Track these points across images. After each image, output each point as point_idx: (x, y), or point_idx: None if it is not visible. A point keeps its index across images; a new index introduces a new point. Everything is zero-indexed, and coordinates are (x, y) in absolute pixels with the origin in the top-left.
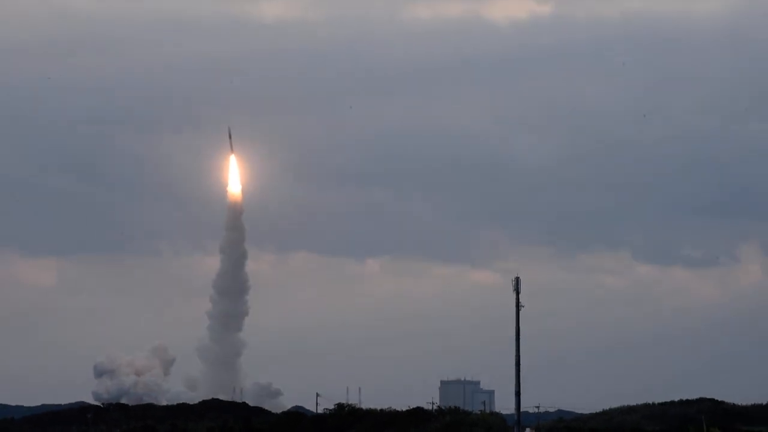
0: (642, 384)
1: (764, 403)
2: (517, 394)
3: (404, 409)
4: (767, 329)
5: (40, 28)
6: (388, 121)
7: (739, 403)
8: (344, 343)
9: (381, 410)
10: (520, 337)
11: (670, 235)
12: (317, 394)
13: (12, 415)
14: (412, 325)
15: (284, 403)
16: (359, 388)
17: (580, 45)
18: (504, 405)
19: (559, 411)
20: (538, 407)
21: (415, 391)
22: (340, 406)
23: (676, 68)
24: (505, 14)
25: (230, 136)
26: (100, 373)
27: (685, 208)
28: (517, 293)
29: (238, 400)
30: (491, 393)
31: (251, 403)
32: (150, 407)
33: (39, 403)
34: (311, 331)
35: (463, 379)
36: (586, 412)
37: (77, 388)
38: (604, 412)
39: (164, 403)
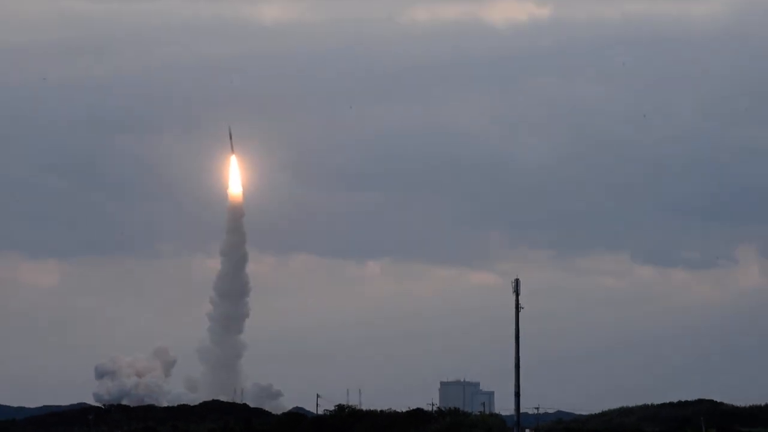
0: (641, 385)
1: (762, 404)
2: (517, 395)
3: (404, 410)
4: (765, 330)
5: (41, 29)
6: (388, 122)
7: (738, 405)
8: (344, 344)
9: (381, 411)
10: (520, 338)
11: (669, 237)
12: (317, 396)
13: (14, 416)
14: (412, 326)
15: (285, 404)
16: (359, 390)
17: (580, 46)
18: (503, 406)
19: (559, 412)
20: (537, 408)
21: (415, 392)
22: (340, 407)
23: (675, 69)
24: (504, 16)
25: (231, 137)
26: (101, 374)
27: (684, 209)
28: (517, 295)
29: (239, 401)
30: (491, 394)
31: (252, 405)
32: (151, 408)
33: (40, 404)
34: (312, 332)
35: (462, 380)
36: (585, 413)
37: (78, 390)
38: (603, 413)
39: (165, 404)
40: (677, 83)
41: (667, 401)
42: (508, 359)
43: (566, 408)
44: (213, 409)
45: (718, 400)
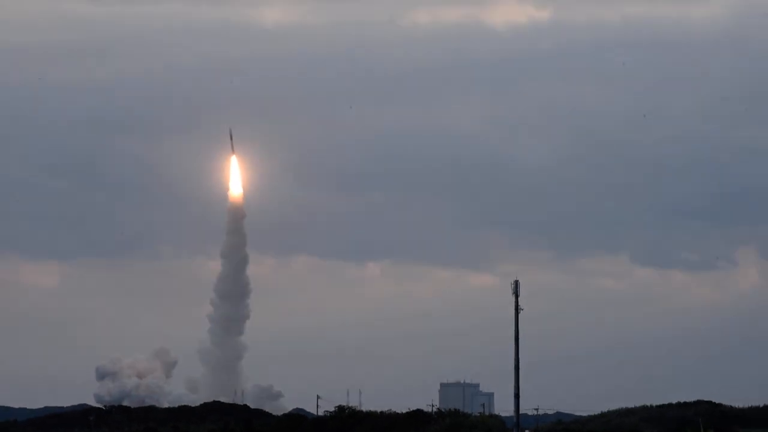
0: (640, 386)
1: (761, 405)
2: (517, 396)
3: (404, 412)
4: (764, 332)
5: (42, 30)
6: (389, 124)
7: (737, 406)
8: (345, 345)
9: (381, 412)
10: (520, 339)
11: (668, 238)
12: (318, 397)
13: (15, 417)
14: (412, 327)
15: (285, 405)
16: (360, 391)
17: (579, 49)
18: (503, 407)
19: (558, 413)
20: (537, 409)
21: (415, 393)
22: (340, 409)
23: (675, 71)
24: (505, 19)
25: (231, 137)
26: (102, 375)
27: (683, 211)
28: (516, 296)
29: (239, 402)
30: (490, 395)
31: (252, 406)
32: (152, 409)
33: (42, 406)
34: (312, 333)
35: (462, 381)
36: (584, 414)
37: (79, 391)
38: (603, 415)
39: (166, 405)
40: (676, 85)
41: (667, 402)
42: (507, 360)
43: (566, 409)
44: (213, 410)
45: (717, 402)
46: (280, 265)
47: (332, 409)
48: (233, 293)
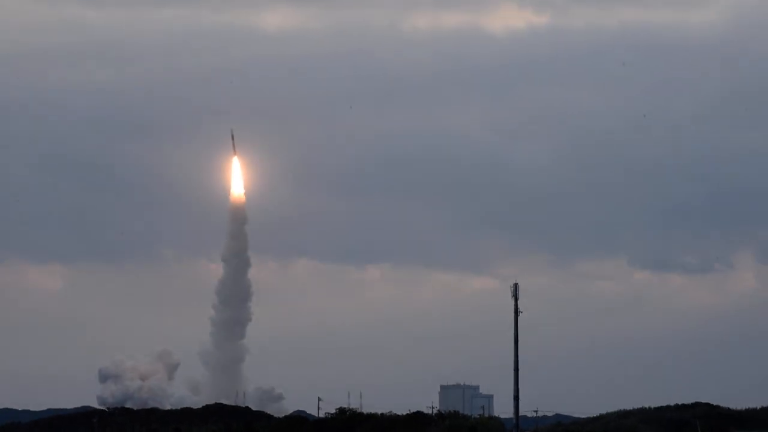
0: (638, 388)
1: (758, 407)
2: (516, 398)
3: (404, 413)
4: (761, 334)
5: (44, 33)
6: (389, 128)
7: (734, 408)
8: (345, 348)
9: (382, 414)
10: (519, 342)
11: (666, 241)
12: (319, 399)
13: (19, 420)
14: (412, 330)
15: (286, 407)
16: (360, 393)
17: (578, 53)
18: (503, 409)
19: (557, 415)
20: (536, 411)
21: (415, 395)
22: (341, 410)
23: (673, 75)
24: (504, 24)
25: (233, 138)
26: (104, 377)
27: (681, 214)
28: (516, 299)
29: (241, 404)
30: (490, 397)
31: (254, 408)
32: (154, 411)
33: (45, 408)
34: (313, 336)
35: (462, 383)
36: (583, 416)
37: (83, 393)
38: (601, 416)
39: (168, 407)
40: (674, 89)
41: (665, 404)
42: (507, 363)
43: (565, 411)
44: (215, 412)
45: (715, 404)
46: (280, 268)
47: (333, 410)
48: (235, 297)
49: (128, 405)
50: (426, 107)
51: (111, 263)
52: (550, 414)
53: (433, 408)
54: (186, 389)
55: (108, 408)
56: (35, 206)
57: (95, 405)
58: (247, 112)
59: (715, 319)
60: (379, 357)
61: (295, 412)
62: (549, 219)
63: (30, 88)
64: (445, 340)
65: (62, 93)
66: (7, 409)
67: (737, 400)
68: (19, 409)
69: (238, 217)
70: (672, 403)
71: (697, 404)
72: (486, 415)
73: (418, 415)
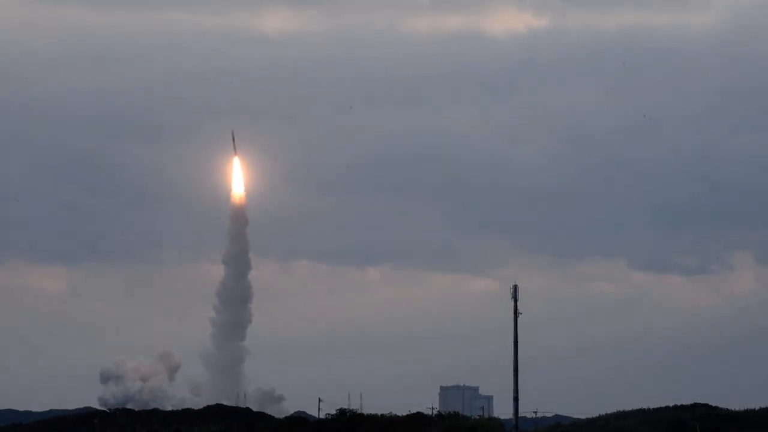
0: (637, 389)
1: (757, 408)
2: (516, 399)
3: (404, 414)
4: (760, 335)
5: (46, 36)
6: (388, 130)
7: (733, 408)
8: (346, 349)
9: (382, 415)
10: (519, 343)
11: (665, 243)
12: (319, 399)
13: (20, 420)
14: (412, 331)
15: (287, 408)
16: (360, 394)
17: (577, 56)
18: (502, 410)
19: (557, 416)
20: (535, 412)
21: (415, 396)
22: (341, 411)
23: (672, 78)
24: (503, 27)
25: (233, 139)
26: (106, 378)
27: (680, 216)
28: (515, 300)
29: (242, 405)
30: (490, 398)
31: (255, 408)
32: (155, 412)
33: (47, 409)
34: (313, 337)
35: (462, 384)
36: (582, 417)
37: (84, 394)
38: (600, 417)
39: (169, 408)
40: (673, 91)
41: (664, 405)
42: (506, 364)
43: (564, 412)
44: (216, 413)
45: (714, 404)
46: (281, 270)
47: (333, 411)
48: (235, 299)
49: (129, 406)
50: (426, 109)
51: (112, 264)
52: (549, 415)
53: (432, 409)
54: (187, 390)
55: (109, 409)
56: (36, 207)
57: (96, 406)
58: (247, 114)
59: (714, 320)
60: (379, 358)
61: (295, 412)
62: (548, 220)
63: (31, 89)
64: (445, 341)
65: (63, 94)
66: (8, 409)
67: (736, 401)
68: (21, 409)
69: (239, 218)
70: (671, 404)
71: (696, 405)
72: (486, 415)
73: (418, 415)
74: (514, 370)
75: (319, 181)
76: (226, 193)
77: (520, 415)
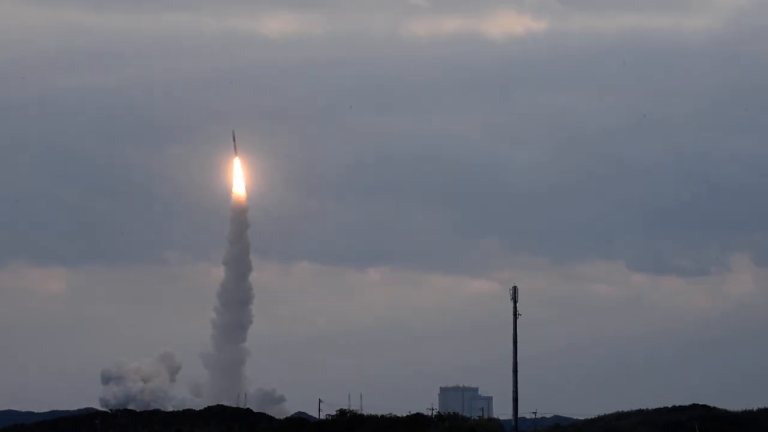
0: (636, 390)
1: (755, 409)
2: (515, 400)
3: (404, 415)
4: (757, 337)
5: (47, 38)
6: (388, 133)
7: (731, 410)
8: (346, 350)
9: (382, 416)
10: (518, 344)
11: (664, 245)
12: (320, 400)
13: (22, 421)
14: (412, 333)
15: (287, 409)
16: (360, 395)
17: (575, 59)
18: (502, 411)
19: (556, 417)
20: (535, 413)
21: (415, 397)
22: (342, 412)
23: (670, 80)
24: (502, 30)
25: (234, 140)
26: (107, 379)
27: (678, 218)
28: (515, 302)
29: (243, 406)
30: (489, 399)
31: (255, 409)
32: (156, 413)
33: (48, 409)
34: (314, 338)
35: (461, 385)
36: (581, 417)
37: (85, 394)
38: (599, 418)
39: (170, 409)
40: (672, 94)
41: (662, 406)
42: (506, 365)
43: (563, 412)
44: (217, 413)
45: (712, 405)
46: (281, 271)
47: (334, 412)
48: (236, 300)
49: (130, 406)
50: (426, 111)
51: (113, 265)
52: (548, 415)
53: (432, 410)
54: (188, 391)
55: (110, 409)
56: (37, 209)
57: (98, 407)
58: (247, 117)
59: (713, 322)
60: (380, 359)
61: (296, 413)
62: (548, 222)
63: (32, 90)
64: (444, 342)
65: (64, 95)
66: (10, 410)
67: (734, 402)
68: (23, 410)
69: (240, 220)
70: (669, 405)
71: (694, 406)
72: (485, 416)
73: (418, 416)
74: (513, 371)
75: (319, 182)
76: (227, 194)
77: (519, 416)
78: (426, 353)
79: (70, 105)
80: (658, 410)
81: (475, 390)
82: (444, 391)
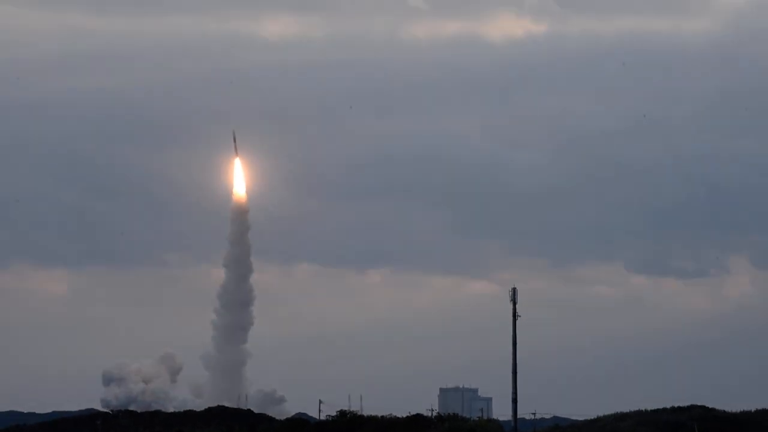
0: (635, 391)
1: (753, 410)
2: (514, 401)
3: (404, 416)
4: (756, 338)
5: (49, 41)
6: (388, 134)
7: (729, 410)
8: (346, 351)
9: (382, 417)
10: (517, 345)
11: (662, 246)
12: (320, 401)
13: (24, 422)
14: (412, 334)
15: (288, 409)
16: (361, 396)
17: (574, 61)
18: (501, 411)
19: (555, 417)
20: (534, 414)
21: (415, 398)
22: (342, 413)
23: (669, 83)
24: (502, 32)
25: (235, 140)
26: (108, 380)
27: (677, 220)
28: (514, 303)
29: (243, 407)
30: (489, 400)
31: (256, 410)
32: (157, 414)
33: (50, 410)
34: (314, 339)
35: (461, 386)
36: (580, 418)
37: (87, 396)
38: (598, 419)
39: (171, 409)
40: (671, 97)
41: (661, 407)
42: (506, 366)
43: (562, 413)
44: (218, 414)
45: (710, 406)
46: (282, 273)
47: (334, 413)
48: (236, 302)
49: (132, 407)
50: (426, 113)
51: (114, 267)
52: (548, 416)
53: (432, 410)
54: (189, 392)
55: (112, 410)
56: (39, 210)
57: (99, 407)
58: (248, 119)
59: (711, 323)
60: (380, 360)
61: (296, 414)
62: (547, 223)
63: (33, 91)
64: (444, 343)
65: (65, 97)
66: (12, 411)
67: (733, 403)
68: (25, 411)
69: (241, 222)
70: (668, 406)
71: (692, 407)
72: (485, 417)
73: (418, 417)
74: (512, 372)
75: (319, 183)
76: (227, 195)
77: (518, 417)
78: (426, 354)
79: (71, 106)
80: (656, 411)
81: (475, 391)
82: (444, 392)
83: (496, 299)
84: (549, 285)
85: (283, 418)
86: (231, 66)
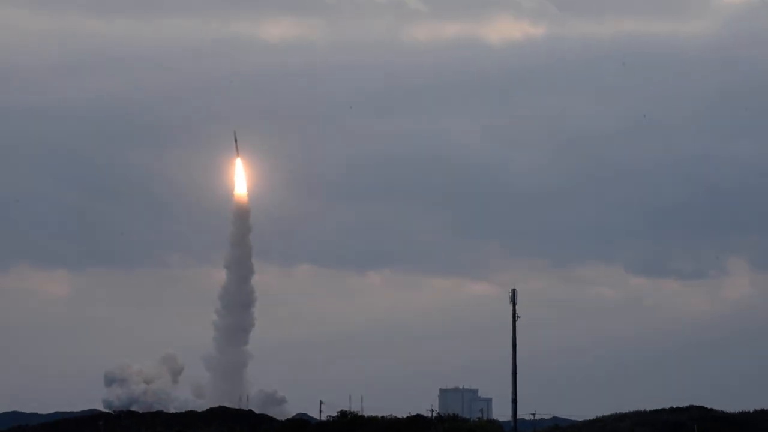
0: (634, 392)
1: (752, 410)
2: (514, 401)
3: (405, 416)
4: (755, 338)
5: (50, 43)
6: (388, 136)
7: (728, 411)
8: (347, 352)
9: (382, 417)
10: (517, 346)
11: (662, 248)
12: (321, 402)
13: (26, 422)
14: (412, 335)
15: (289, 410)
16: (361, 396)
17: (573, 63)
18: (501, 412)
19: (555, 418)
20: (534, 414)
21: (415, 398)
22: (342, 414)
23: (667, 85)
24: (501, 35)
25: (236, 140)
26: (110, 381)
27: (677, 221)
28: (514, 304)
29: (244, 407)
30: (489, 400)
31: (257, 411)
32: (159, 414)
33: (52, 411)
34: (315, 340)
35: (461, 387)
36: (580, 419)
37: (89, 396)
38: (598, 419)
39: (173, 410)
40: (670, 97)
41: (660, 407)
42: (505, 367)
43: (562, 414)
44: (219, 415)
45: (709, 407)
46: (282, 273)
47: (335, 413)
48: (238, 303)
49: (133, 408)
50: (425, 115)
51: (116, 268)
52: (547, 417)
53: (432, 411)
54: (190, 393)
55: (114, 411)
56: (39, 211)
57: (101, 408)
58: (249, 120)
59: (710, 324)
60: (380, 361)
61: (297, 415)
62: (547, 224)
63: (33, 92)
64: (444, 344)
65: (66, 98)
66: (14, 412)
67: (732, 403)
68: (27, 412)
69: (242, 222)
70: (667, 406)
71: (691, 407)
72: (485, 417)
73: (418, 418)
74: (512, 373)
75: (319, 184)
76: (229, 196)
77: (518, 417)
78: (426, 355)
79: (71, 107)
80: (656, 411)
81: (475, 391)
82: (444, 393)
83: (496, 300)
84: (549, 285)
85: (284, 418)
86: (232, 68)
